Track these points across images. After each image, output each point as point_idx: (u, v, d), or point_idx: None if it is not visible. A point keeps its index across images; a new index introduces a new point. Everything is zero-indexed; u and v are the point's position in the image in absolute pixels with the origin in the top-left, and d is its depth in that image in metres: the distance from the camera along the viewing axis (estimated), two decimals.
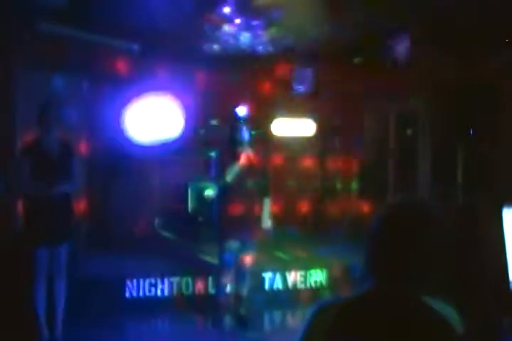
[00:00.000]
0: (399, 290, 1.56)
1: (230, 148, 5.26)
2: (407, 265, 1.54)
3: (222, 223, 5.29)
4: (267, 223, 5.38)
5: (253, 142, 5.39)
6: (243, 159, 5.17)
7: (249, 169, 5.21)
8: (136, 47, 6.82)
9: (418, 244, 1.54)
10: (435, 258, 1.56)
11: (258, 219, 5.33)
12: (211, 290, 5.81)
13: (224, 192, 5.29)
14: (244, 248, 5.28)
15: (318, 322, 1.57)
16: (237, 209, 5.18)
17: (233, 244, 5.21)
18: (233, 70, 7.67)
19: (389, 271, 1.56)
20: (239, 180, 5.17)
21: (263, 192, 5.38)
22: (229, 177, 5.13)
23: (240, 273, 5.38)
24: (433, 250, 1.56)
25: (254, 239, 5.31)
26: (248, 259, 5.34)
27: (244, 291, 5.40)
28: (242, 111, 7.76)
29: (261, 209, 5.35)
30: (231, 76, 7.76)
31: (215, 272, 5.51)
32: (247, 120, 5.50)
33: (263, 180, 5.41)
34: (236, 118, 5.53)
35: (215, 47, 7.06)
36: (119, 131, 6.83)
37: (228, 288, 5.67)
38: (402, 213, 1.60)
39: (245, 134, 5.25)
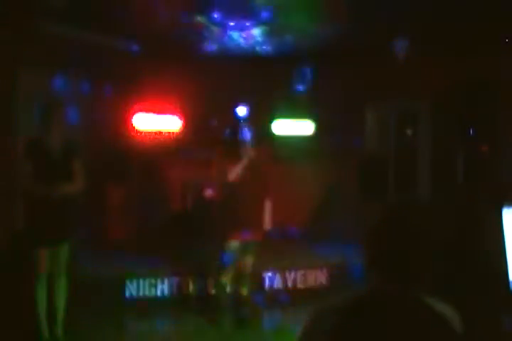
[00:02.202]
0: (399, 291, 1.56)
1: (231, 148, 5.25)
2: (408, 265, 1.55)
3: (222, 223, 5.29)
4: (267, 223, 5.38)
5: (254, 142, 5.38)
6: (244, 159, 5.16)
7: (250, 169, 5.20)
8: (136, 47, 6.83)
9: (418, 245, 1.54)
10: (435, 258, 1.56)
11: (258, 220, 5.32)
12: (211, 290, 5.81)
13: (224, 192, 5.29)
14: (244, 248, 5.27)
15: (318, 325, 1.57)
16: (237, 209, 5.17)
17: (233, 244, 5.21)
18: (233, 70, 7.67)
19: (389, 271, 1.56)
20: (240, 180, 5.16)
21: (263, 193, 5.37)
22: (230, 177, 5.13)
23: (240, 273, 5.38)
24: (433, 250, 1.56)
25: (254, 239, 5.31)
26: (248, 259, 5.34)
27: (245, 291, 5.40)
28: (242, 111, 7.76)
29: (261, 209, 5.34)
30: (231, 76, 7.76)
31: (215, 272, 5.52)
32: (247, 120, 5.50)
33: (264, 180, 5.40)
34: (237, 118, 5.52)
35: (216, 47, 7.07)
36: (120, 131, 6.84)
37: (228, 288, 5.68)
38: (402, 214, 1.60)
39: (246, 134, 5.24)
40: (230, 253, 5.23)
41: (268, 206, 5.38)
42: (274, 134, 8.29)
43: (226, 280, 5.39)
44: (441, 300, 1.61)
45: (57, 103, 4.76)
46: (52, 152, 4.55)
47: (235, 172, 5.13)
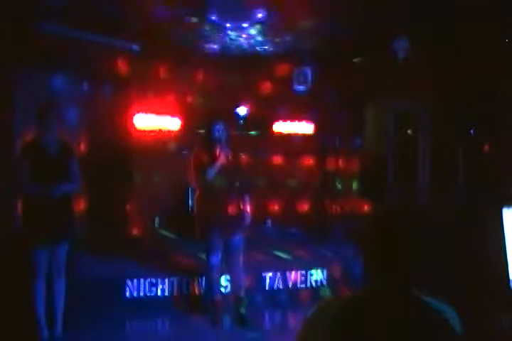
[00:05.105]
0: (399, 290, 1.56)
1: (208, 147, 5.26)
2: (407, 265, 1.55)
3: (203, 223, 5.30)
4: (247, 220, 5.38)
5: (230, 141, 5.40)
6: (221, 158, 5.19)
7: (228, 167, 5.23)
8: (136, 47, 6.82)
9: (416, 244, 1.54)
10: (435, 258, 1.56)
11: (239, 217, 5.32)
12: (206, 290, 5.80)
13: (203, 191, 5.30)
14: (230, 247, 5.28)
15: (319, 320, 1.57)
16: (216, 207, 5.19)
17: (217, 243, 5.22)
18: (233, 70, 7.67)
19: (388, 271, 1.56)
20: (218, 179, 5.18)
21: (243, 190, 5.38)
22: (209, 177, 5.15)
23: (233, 273, 5.39)
24: (432, 250, 1.56)
25: (239, 237, 5.31)
26: (240, 258, 5.33)
27: (242, 290, 5.39)
28: (242, 111, 7.77)
29: (242, 206, 5.35)
30: (231, 76, 7.76)
31: (204, 273, 5.52)
32: (222, 119, 5.45)
33: (242, 178, 5.42)
34: (213, 117, 5.50)
35: (215, 46, 7.07)
36: (119, 131, 6.83)
37: (228, 288, 5.68)
38: (399, 213, 1.60)
39: (222, 133, 5.26)
40: (216, 252, 5.23)
41: (248, 203, 5.39)
42: (274, 134, 8.30)
43: (216, 279, 5.39)
44: (441, 300, 1.61)
45: (53, 103, 4.76)
46: (50, 152, 4.55)
47: (213, 171, 5.16)
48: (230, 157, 5.30)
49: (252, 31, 6.32)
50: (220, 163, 5.19)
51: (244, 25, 6.09)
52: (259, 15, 5.72)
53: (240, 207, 5.34)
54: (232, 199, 5.30)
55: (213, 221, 5.22)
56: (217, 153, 5.21)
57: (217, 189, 5.21)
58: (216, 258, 5.26)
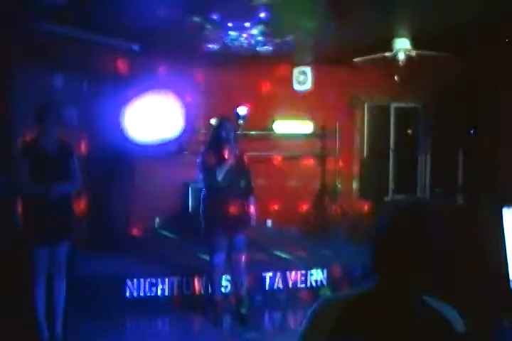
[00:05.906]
0: (401, 290, 1.56)
1: (215, 148, 5.22)
2: (410, 265, 1.55)
3: (209, 222, 5.30)
4: (252, 221, 5.38)
5: (237, 141, 5.39)
6: (230, 158, 5.17)
7: (234, 168, 5.21)
8: (136, 47, 6.82)
9: (421, 245, 1.54)
10: (437, 258, 1.56)
11: (244, 217, 5.31)
12: (207, 290, 5.80)
13: (210, 191, 5.29)
14: (234, 247, 5.28)
15: (321, 318, 1.57)
16: (223, 208, 5.18)
17: (221, 243, 5.22)
18: (233, 70, 7.67)
19: (391, 270, 1.56)
20: (225, 178, 5.17)
21: (247, 190, 5.38)
22: (218, 177, 5.12)
23: (235, 273, 5.38)
24: (435, 250, 1.56)
25: (242, 237, 5.31)
26: (242, 258, 5.33)
27: (243, 290, 5.39)
28: (242, 110, 7.77)
29: (247, 207, 5.34)
30: (231, 76, 7.76)
31: (206, 272, 5.52)
32: (229, 120, 5.44)
33: (248, 178, 5.41)
34: (220, 117, 5.48)
35: (215, 46, 7.07)
36: (119, 131, 6.83)
37: (228, 288, 5.68)
38: (408, 214, 1.60)
39: (230, 133, 5.23)
40: (220, 252, 5.23)
41: (252, 203, 5.38)
42: (274, 134, 8.30)
43: (218, 279, 5.38)
44: (442, 301, 1.61)
45: (52, 103, 4.75)
46: (50, 151, 4.55)
47: (222, 171, 5.14)
48: (237, 157, 5.27)
49: (254, 31, 6.31)
50: (229, 164, 5.16)
51: (246, 24, 6.07)
52: (261, 15, 5.70)
53: (244, 207, 5.33)
54: (238, 200, 5.28)
55: (218, 221, 5.21)
56: (226, 153, 5.17)
57: (223, 189, 5.19)
58: (219, 258, 5.25)
